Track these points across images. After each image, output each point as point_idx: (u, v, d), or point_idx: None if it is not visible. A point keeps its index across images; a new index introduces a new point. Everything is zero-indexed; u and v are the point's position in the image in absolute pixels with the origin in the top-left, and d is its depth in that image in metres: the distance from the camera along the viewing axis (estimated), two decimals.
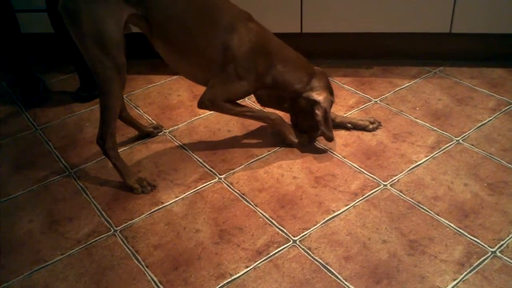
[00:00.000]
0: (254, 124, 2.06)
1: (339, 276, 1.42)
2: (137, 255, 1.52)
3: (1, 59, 2.35)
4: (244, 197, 1.71)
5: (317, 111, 1.82)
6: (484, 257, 1.44)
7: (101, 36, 1.57)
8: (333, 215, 1.62)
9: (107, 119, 1.68)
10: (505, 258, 1.44)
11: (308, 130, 1.94)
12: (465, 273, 1.40)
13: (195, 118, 2.17)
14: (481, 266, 1.42)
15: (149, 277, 1.45)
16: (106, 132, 1.70)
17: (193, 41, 1.72)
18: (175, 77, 2.48)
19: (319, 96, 1.84)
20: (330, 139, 1.84)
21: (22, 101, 2.36)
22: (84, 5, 1.55)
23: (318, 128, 1.88)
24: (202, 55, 1.75)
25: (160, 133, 2.08)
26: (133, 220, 1.65)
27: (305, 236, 1.55)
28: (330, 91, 1.90)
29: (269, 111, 1.96)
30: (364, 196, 1.69)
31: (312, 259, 1.47)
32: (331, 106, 1.87)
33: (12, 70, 2.33)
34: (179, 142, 2.01)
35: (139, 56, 2.60)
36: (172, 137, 2.05)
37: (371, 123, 2.01)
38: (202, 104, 1.82)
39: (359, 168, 1.81)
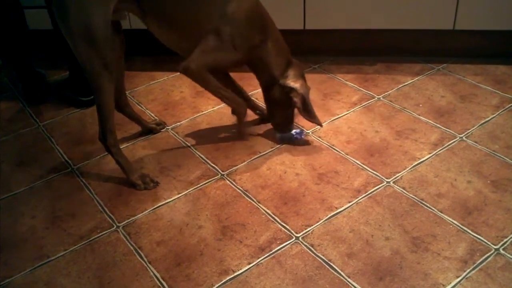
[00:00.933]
0: (257, 121, 2.06)
1: (341, 273, 1.42)
2: (139, 251, 1.52)
3: (4, 56, 2.35)
4: (247, 193, 1.71)
5: (295, 99, 1.81)
6: (488, 255, 1.44)
7: (89, 31, 1.56)
8: (336, 212, 1.62)
9: (104, 116, 1.68)
10: (508, 255, 1.44)
11: (283, 122, 1.92)
12: (468, 270, 1.40)
13: (198, 114, 2.17)
14: (484, 263, 1.42)
15: (151, 273, 1.45)
16: (105, 129, 1.69)
17: (189, 14, 1.70)
18: (178, 73, 2.48)
19: (295, 83, 1.81)
20: (319, 124, 1.88)
21: (25, 97, 2.36)
22: (73, 0, 1.54)
23: (291, 121, 1.91)
24: (199, 27, 1.71)
25: (163, 130, 2.08)
26: (136, 216, 1.65)
27: (308, 232, 1.55)
28: (304, 80, 1.87)
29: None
30: (367, 193, 1.68)
31: (315, 256, 1.47)
32: (308, 93, 1.84)
33: (15, 67, 2.33)
34: (181, 139, 2.01)
35: (142, 53, 2.60)
36: (175, 133, 2.05)
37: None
38: (186, 69, 1.72)
39: (362, 165, 1.81)
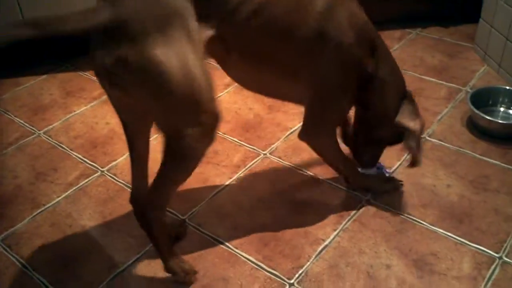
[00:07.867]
0: None
1: (229, 245, 1.48)
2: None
3: None
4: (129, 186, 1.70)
5: (410, 142, 1.41)
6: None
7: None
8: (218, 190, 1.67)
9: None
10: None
11: (373, 159, 1.61)
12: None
13: (71, 115, 2.11)
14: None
15: (37, 281, 1.41)
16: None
17: (283, 43, 1.30)
18: (45, 76, 2.38)
19: (415, 125, 1.42)
20: (418, 162, 1.45)
21: None
22: None
23: (379, 157, 1.61)
24: (293, 57, 1.32)
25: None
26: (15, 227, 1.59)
27: (194, 214, 1.59)
28: (421, 117, 1.48)
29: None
30: (246, 167, 1.76)
31: (202, 234, 1.52)
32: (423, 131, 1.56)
33: None
34: (55, 142, 1.95)
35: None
36: (48, 137, 1.98)
37: None
38: (305, 136, 1.48)
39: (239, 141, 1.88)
